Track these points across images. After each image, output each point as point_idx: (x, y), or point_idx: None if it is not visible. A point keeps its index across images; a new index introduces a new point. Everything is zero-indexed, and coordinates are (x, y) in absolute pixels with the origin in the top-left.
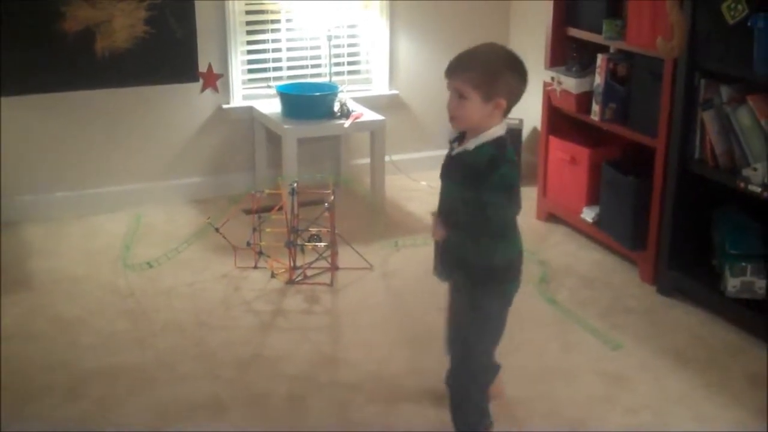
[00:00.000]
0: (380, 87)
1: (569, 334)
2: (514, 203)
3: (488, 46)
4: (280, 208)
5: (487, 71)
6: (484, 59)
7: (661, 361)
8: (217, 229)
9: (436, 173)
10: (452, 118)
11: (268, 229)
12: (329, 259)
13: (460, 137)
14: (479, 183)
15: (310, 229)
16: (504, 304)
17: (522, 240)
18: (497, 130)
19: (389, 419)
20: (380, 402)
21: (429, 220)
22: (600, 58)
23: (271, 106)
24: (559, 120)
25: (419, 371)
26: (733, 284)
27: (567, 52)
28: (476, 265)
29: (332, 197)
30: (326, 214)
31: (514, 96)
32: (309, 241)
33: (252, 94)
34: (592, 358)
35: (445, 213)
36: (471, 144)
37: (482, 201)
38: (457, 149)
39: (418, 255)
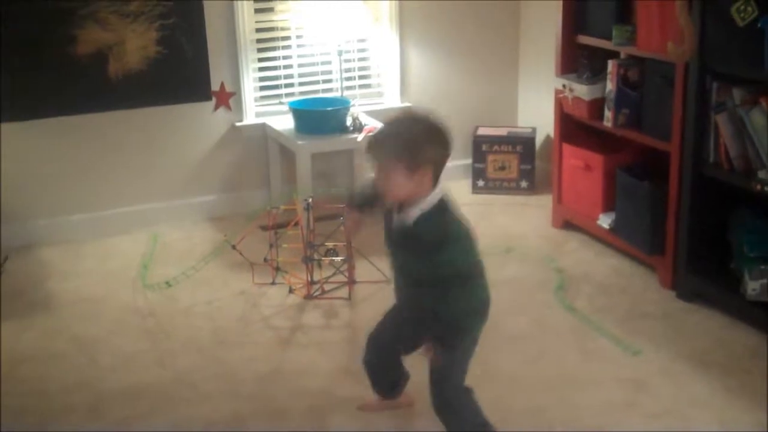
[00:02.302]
0: (392, 100)
1: (588, 341)
2: (473, 254)
3: (405, 120)
4: (296, 224)
5: (406, 144)
6: (403, 133)
7: (681, 366)
8: (233, 246)
9: (450, 184)
10: (383, 193)
11: (284, 245)
12: (346, 273)
13: (397, 203)
14: (431, 255)
15: (327, 243)
16: (474, 340)
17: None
18: (433, 198)
19: (408, 430)
20: (399, 416)
21: None
22: (611, 64)
23: (283, 123)
24: (572, 127)
25: None
26: (752, 287)
27: (578, 60)
28: (451, 314)
29: (347, 211)
30: (342, 228)
31: (439, 164)
32: (326, 256)
33: (265, 111)
34: (611, 364)
35: (403, 272)
36: (409, 217)
37: (440, 265)
38: (396, 221)
39: None
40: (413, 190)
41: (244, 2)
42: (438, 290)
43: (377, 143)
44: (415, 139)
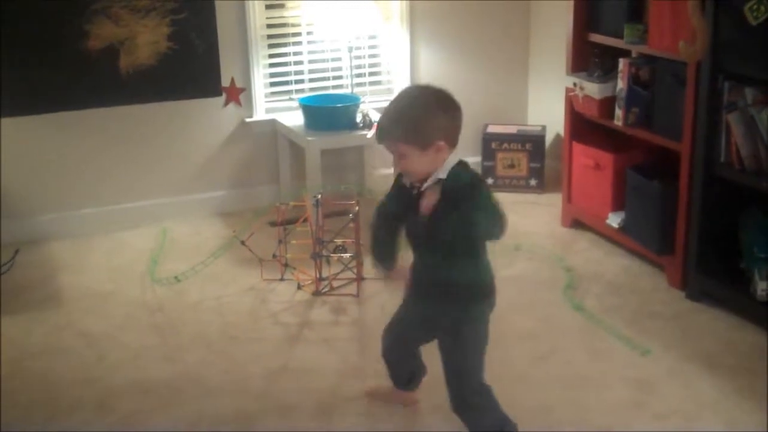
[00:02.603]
0: None
1: (597, 341)
2: (499, 222)
3: (408, 96)
4: (305, 220)
5: (412, 125)
6: (406, 113)
7: (690, 366)
8: (242, 242)
9: None
10: (403, 176)
11: (293, 241)
12: (355, 270)
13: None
14: (461, 204)
15: (336, 240)
16: (487, 322)
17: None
18: (450, 163)
19: (417, 429)
20: (408, 413)
21: None
22: (622, 63)
23: (293, 119)
24: (582, 125)
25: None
26: (762, 287)
27: (588, 58)
28: (464, 285)
29: (357, 208)
30: (351, 224)
31: (452, 133)
32: (334, 252)
33: (275, 107)
34: (620, 364)
35: (431, 249)
36: (440, 173)
37: (465, 221)
38: (427, 184)
39: None
40: (432, 165)
41: None
42: (459, 259)
43: (383, 131)
44: (419, 116)
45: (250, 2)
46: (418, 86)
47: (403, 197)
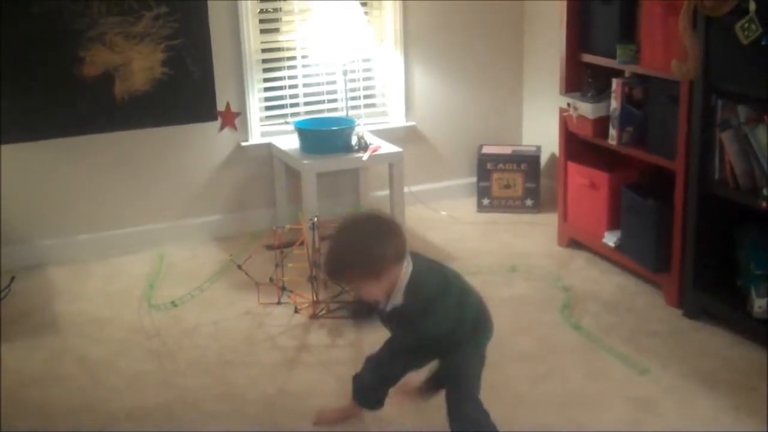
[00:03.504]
0: (397, 119)
1: (595, 360)
2: (459, 297)
3: (349, 232)
4: (302, 243)
5: (361, 265)
6: (353, 253)
7: (688, 384)
8: (239, 266)
9: (455, 203)
10: (366, 301)
11: (290, 264)
12: (352, 293)
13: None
14: (423, 321)
15: None
16: (482, 351)
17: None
18: (406, 272)
19: None
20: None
21: (449, 251)
22: (615, 83)
23: (289, 142)
24: (577, 145)
25: (444, 399)
26: (759, 305)
27: (582, 78)
28: (453, 337)
29: None
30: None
31: (399, 252)
32: None
33: (270, 130)
34: (619, 383)
35: (417, 350)
36: (396, 300)
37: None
38: (388, 307)
39: None
40: (389, 286)
41: (250, 23)
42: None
43: (334, 271)
44: (367, 254)
45: (245, 26)
46: (354, 219)
47: (379, 310)
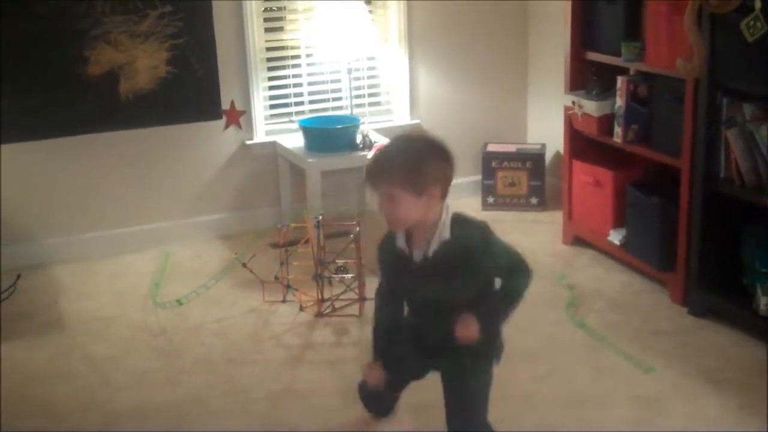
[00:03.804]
0: (401, 117)
1: (600, 359)
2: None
3: (404, 140)
4: (307, 241)
5: (409, 167)
6: (403, 157)
7: (694, 383)
8: (244, 264)
9: (460, 201)
10: (390, 223)
11: (295, 263)
12: (357, 290)
13: (405, 240)
14: (480, 263)
15: (337, 260)
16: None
17: None
18: (448, 212)
19: None
20: None
21: None
22: (620, 81)
23: (294, 141)
24: (582, 143)
25: None
26: (765, 302)
27: (587, 76)
28: (490, 339)
29: (358, 228)
30: (352, 245)
31: (446, 181)
32: (336, 273)
33: (275, 129)
34: (624, 381)
35: (440, 303)
36: (443, 236)
37: (492, 276)
38: (431, 249)
39: None
40: (423, 213)
41: (254, 21)
42: (491, 314)
43: (377, 171)
44: (418, 160)
45: (249, 25)
46: (415, 133)
47: (400, 264)
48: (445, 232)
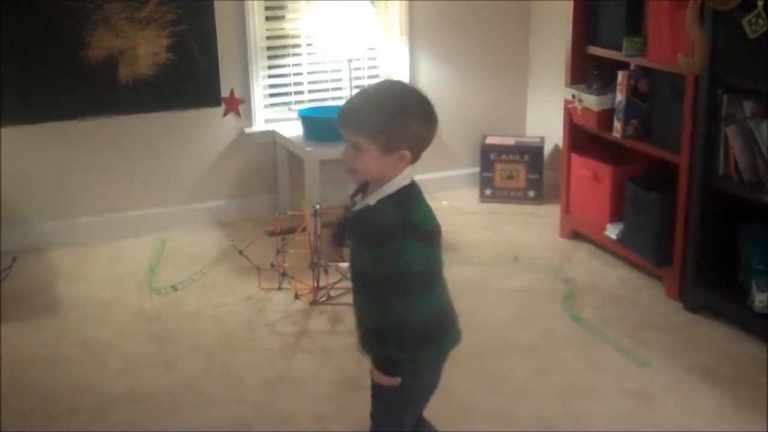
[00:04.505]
0: None
1: (596, 352)
2: (423, 261)
3: (385, 88)
4: (304, 230)
5: (383, 119)
6: (380, 106)
7: (689, 378)
8: (241, 252)
9: (458, 193)
10: (349, 171)
11: (291, 251)
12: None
13: (361, 189)
14: (381, 245)
15: None
16: (419, 372)
17: (446, 296)
18: (401, 180)
19: None
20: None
21: (451, 242)
22: (621, 75)
23: (292, 130)
24: (581, 137)
25: (444, 390)
26: (760, 299)
27: (587, 70)
28: (381, 330)
29: None
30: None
31: (421, 144)
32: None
33: (274, 118)
34: (619, 375)
35: (355, 274)
36: (371, 199)
37: (385, 262)
38: (359, 205)
39: None
40: (386, 172)
41: (255, 10)
42: (382, 299)
43: (349, 115)
44: (396, 114)
45: (250, 13)
46: (402, 82)
47: (347, 214)
48: (376, 195)
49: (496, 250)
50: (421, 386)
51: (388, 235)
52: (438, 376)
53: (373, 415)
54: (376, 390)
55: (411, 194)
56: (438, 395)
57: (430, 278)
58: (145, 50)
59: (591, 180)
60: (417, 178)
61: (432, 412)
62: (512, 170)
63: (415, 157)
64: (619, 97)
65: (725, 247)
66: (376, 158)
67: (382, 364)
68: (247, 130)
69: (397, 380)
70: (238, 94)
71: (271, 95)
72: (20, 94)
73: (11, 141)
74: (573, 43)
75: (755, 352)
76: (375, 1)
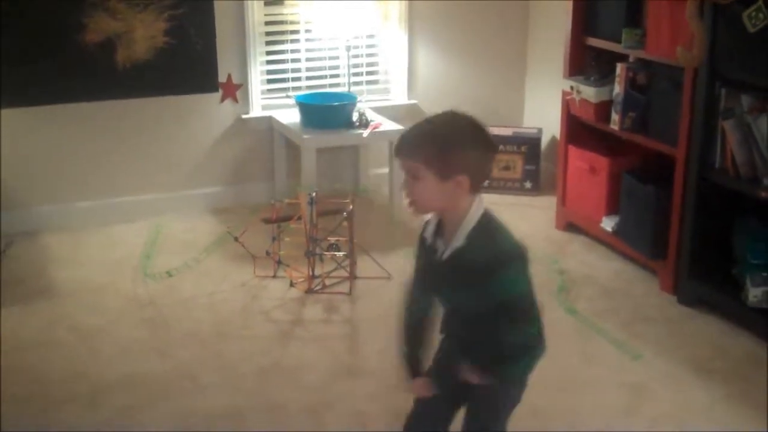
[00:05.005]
0: (399, 97)
1: (590, 345)
2: (527, 281)
3: (442, 118)
4: (299, 218)
5: (440, 147)
6: (436, 133)
7: (682, 371)
8: (236, 239)
9: None
10: (409, 203)
11: (287, 239)
12: (348, 268)
13: (435, 228)
14: (485, 280)
15: (329, 238)
16: (520, 385)
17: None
18: (476, 212)
19: None
20: (398, 412)
21: None
22: (619, 67)
23: (290, 116)
24: (578, 129)
25: None
26: (754, 294)
27: (586, 62)
28: (503, 353)
29: (351, 207)
30: (345, 223)
31: (479, 171)
32: (328, 251)
33: (271, 104)
34: (613, 368)
35: (453, 311)
36: (457, 239)
37: (495, 294)
38: (448, 251)
39: None
40: (446, 202)
41: None
42: (493, 326)
43: (405, 143)
44: (452, 141)
45: None
46: (460, 113)
47: (428, 256)
48: (461, 235)
49: None
50: (516, 398)
51: (489, 269)
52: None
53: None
54: (500, 409)
55: (492, 222)
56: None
57: (534, 294)
58: (143, 34)
59: (588, 172)
60: None
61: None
62: (509, 161)
63: (476, 186)
64: (618, 89)
65: (720, 241)
66: (433, 185)
67: (506, 379)
68: (244, 116)
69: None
70: (235, 80)
71: (269, 81)
72: (15, 78)
73: (6, 125)
74: (572, 34)
75: (749, 346)
76: None
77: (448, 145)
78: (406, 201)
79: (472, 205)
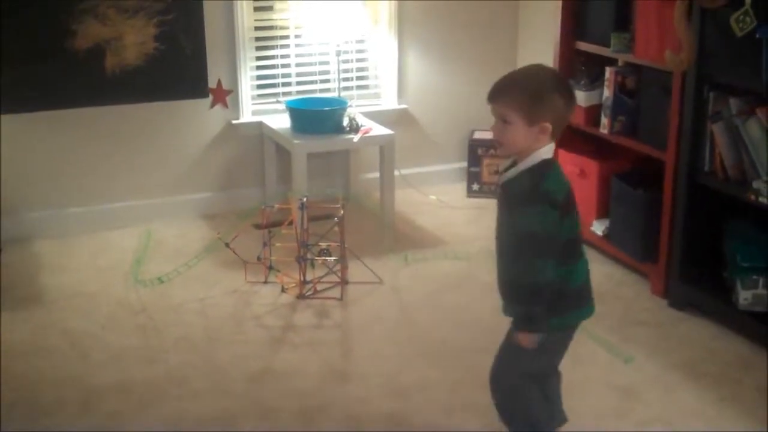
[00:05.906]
0: (389, 101)
1: (580, 347)
2: (549, 227)
3: (532, 68)
4: (290, 223)
5: (530, 94)
6: (526, 82)
7: (672, 374)
8: (227, 244)
9: (446, 187)
10: (497, 145)
11: (278, 244)
12: (339, 274)
13: (512, 166)
14: (515, 210)
15: (320, 243)
16: (549, 337)
17: (579, 270)
18: (541, 153)
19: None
20: (390, 417)
21: (438, 236)
22: (608, 71)
23: (280, 122)
24: (568, 133)
25: (429, 385)
26: (744, 297)
27: (575, 66)
28: (513, 288)
29: (342, 212)
30: (336, 228)
31: (561, 119)
32: (319, 256)
33: (261, 109)
34: (603, 371)
35: (497, 239)
36: (513, 172)
37: (517, 225)
38: (503, 178)
39: (428, 269)
40: (530, 144)
41: (244, 0)
42: (516, 260)
43: (498, 89)
44: (539, 88)
45: (239, 4)
46: (545, 66)
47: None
48: (518, 169)
49: (483, 244)
50: (547, 353)
51: (520, 201)
52: (562, 350)
53: (496, 366)
54: (508, 345)
55: (548, 166)
56: (421, 389)
57: (558, 245)
58: (132, 40)
59: (577, 176)
60: (405, 172)
61: (417, 406)
62: (500, 165)
63: (556, 132)
64: (607, 93)
65: (710, 245)
66: (521, 130)
67: (516, 320)
68: (235, 122)
69: (535, 340)
70: (225, 85)
71: (259, 86)
72: (5, 84)
73: None
74: (561, 38)
75: (739, 349)
76: None
77: (537, 93)
78: (494, 143)
79: (543, 148)
